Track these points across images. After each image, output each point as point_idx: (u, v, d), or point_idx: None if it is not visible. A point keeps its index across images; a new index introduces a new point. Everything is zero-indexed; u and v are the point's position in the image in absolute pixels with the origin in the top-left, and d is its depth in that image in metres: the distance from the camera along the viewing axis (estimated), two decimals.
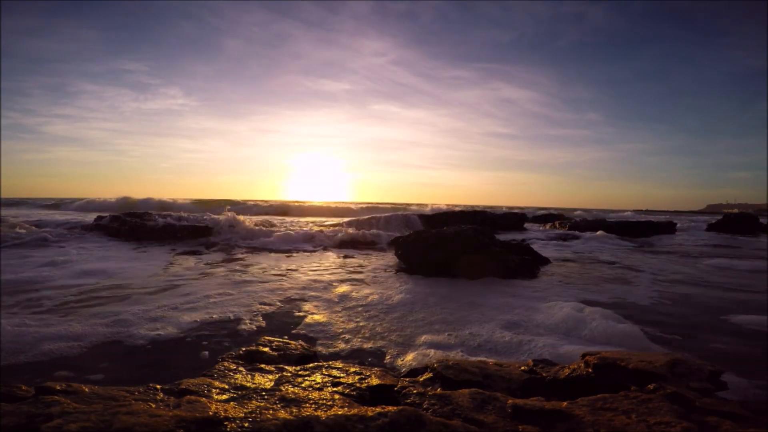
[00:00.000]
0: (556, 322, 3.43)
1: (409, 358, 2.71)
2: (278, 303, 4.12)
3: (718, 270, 6.65)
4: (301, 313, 3.78)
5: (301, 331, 3.27)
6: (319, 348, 2.90)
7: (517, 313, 3.79)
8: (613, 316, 3.49)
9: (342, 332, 3.26)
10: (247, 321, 3.48)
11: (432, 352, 2.79)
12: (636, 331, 3.14)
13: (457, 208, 20.42)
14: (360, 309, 3.93)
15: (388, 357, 2.78)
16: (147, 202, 25.07)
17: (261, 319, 3.57)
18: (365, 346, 2.97)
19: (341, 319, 3.60)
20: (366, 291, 4.63)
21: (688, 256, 8.43)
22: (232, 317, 3.57)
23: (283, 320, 3.57)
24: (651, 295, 4.67)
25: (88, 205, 25.38)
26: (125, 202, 25.11)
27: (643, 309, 4.11)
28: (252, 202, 33.33)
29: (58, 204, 28.91)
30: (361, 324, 3.47)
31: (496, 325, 3.40)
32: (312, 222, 16.48)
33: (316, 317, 3.65)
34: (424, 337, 3.12)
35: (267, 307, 3.94)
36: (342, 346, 2.97)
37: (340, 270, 6.12)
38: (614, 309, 3.96)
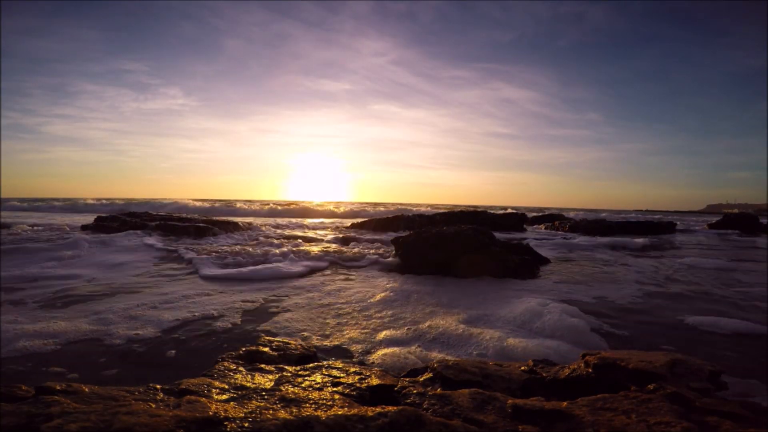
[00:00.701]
0: (514, 316, 3.56)
1: (376, 355, 2.76)
2: (261, 301, 4.15)
3: (706, 270, 6.69)
4: (277, 310, 3.81)
5: (265, 328, 3.30)
6: None
7: (485, 308, 3.88)
8: (570, 311, 3.55)
9: (304, 329, 3.29)
10: (220, 319, 3.49)
11: (397, 350, 2.82)
12: (582, 325, 3.22)
13: (457, 209, 20.42)
14: (337, 306, 3.97)
15: (343, 352, 2.84)
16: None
17: (237, 316, 3.59)
18: (323, 343, 3.00)
19: (311, 316, 3.63)
20: (353, 290, 4.67)
21: (682, 257, 8.43)
22: (214, 314, 3.61)
23: (255, 318, 3.59)
24: (634, 294, 4.75)
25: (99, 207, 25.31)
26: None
27: (618, 307, 4.18)
28: (241, 204, 33.24)
29: (60, 205, 28.92)
30: (328, 321, 3.51)
31: (457, 320, 3.48)
32: (313, 224, 16.50)
33: (288, 314, 3.68)
34: (384, 333, 3.17)
35: (249, 305, 3.97)
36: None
37: (335, 269, 6.12)
38: (594, 307, 4.08)
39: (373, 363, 2.60)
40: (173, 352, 2.76)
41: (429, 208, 31.85)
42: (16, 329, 3.01)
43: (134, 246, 8.04)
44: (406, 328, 3.29)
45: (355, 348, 2.90)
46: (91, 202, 28.00)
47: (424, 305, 4.03)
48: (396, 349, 2.81)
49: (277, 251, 7.03)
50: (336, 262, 6.68)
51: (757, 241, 13.02)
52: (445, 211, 18.00)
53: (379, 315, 3.69)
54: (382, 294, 4.44)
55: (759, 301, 4.41)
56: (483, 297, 4.39)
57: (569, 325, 3.21)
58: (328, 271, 5.96)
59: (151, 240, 8.59)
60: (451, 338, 3.06)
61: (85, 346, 2.85)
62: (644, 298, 4.55)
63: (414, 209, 29.48)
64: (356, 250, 7.89)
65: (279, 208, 28.28)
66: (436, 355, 2.70)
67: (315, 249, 7.60)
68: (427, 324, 3.36)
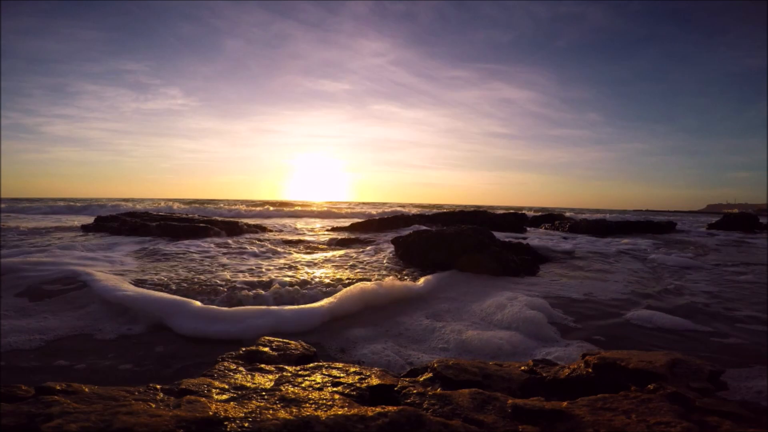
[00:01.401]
0: (481, 309, 3.71)
1: (352, 353, 2.84)
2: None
3: (688, 270, 6.76)
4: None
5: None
6: None
7: (459, 302, 4.03)
8: (534, 304, 3.68)
9: None
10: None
11: (374, 347, 2.91)
12: (539, 318, 3.35)
13: (457, 209, 20.43)
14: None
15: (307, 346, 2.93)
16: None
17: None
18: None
19: None
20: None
21: (675, 256, 8.46)
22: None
23: None
24: (622, 291, 4.89)
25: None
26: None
27: (596, 302, 4.33)
28: (242, 205, 33.10)
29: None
30: None
31: (424, 314, 3.63)
32: (313, 224, 16.48)
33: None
34: (353, 331, 3.25)
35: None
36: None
37: (331, 269, 6.11)
38: (575, 302, 4.28)
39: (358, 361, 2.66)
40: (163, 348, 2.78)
41: (429, 208, 31.84)
42: (10, 324, 3.09)
43: (132, 245, 7.99)
44: (374, 325, 3.38)
45: (328, 344, 2.96)
46: (66, 203, 27.78)
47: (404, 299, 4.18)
48: (373, 347, 2.89)
49: (274, 278, 6.87)
50: (336, 261, 6.67)
51: (759, 240, 13.02)
52: (445, 211, 17.99)
53: (355, 311, 3.78)
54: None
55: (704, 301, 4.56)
56: (463, 292, 4.52)
57: (526, 317, 3.34)
58: (326, 270, 5.95)
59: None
60: (416, 332, 3.21)
61: (75, 338, 2.95)
62: (626, 295, 4.68)
63: (414, 209, 29.49)
64: (359, 249, 7.89)
65: (274, 209, 28.21)
66: (404, 350, 2.81)
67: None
68: (395, 320, 3.48)
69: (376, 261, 6.84)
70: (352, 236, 10.46)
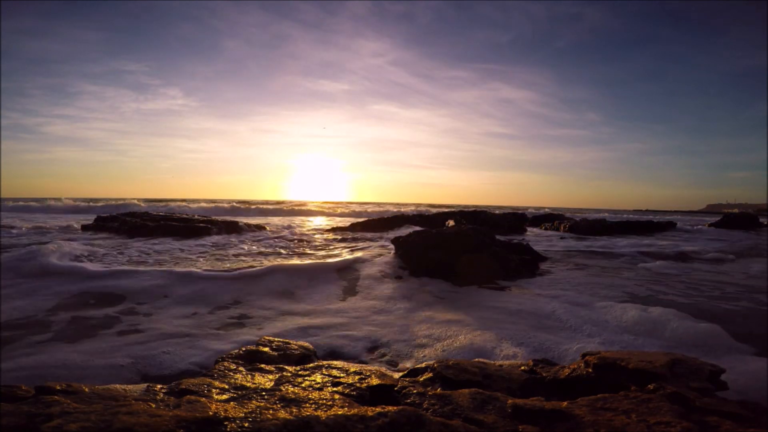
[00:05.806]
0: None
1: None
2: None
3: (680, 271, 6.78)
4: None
5: (216, 331, 3.59)
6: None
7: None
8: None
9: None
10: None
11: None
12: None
13: (457, 209, 20.42)
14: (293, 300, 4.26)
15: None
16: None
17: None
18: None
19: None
20: (320, 289, 4.79)
21: (675, 257, 8.47)
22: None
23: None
24: (608, 285, 5.14)
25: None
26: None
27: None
28: (241, 205, 33.04)
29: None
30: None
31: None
32: (313, 224, 16.45)
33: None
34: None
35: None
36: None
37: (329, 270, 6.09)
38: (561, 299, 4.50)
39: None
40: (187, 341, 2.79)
41: (429, 208, 31.84)
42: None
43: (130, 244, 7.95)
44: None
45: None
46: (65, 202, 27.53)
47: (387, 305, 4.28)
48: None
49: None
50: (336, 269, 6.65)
51: (759, 238, 13.01)
52: (445, 211, 17.99)
53: (322, 310, 3.93)
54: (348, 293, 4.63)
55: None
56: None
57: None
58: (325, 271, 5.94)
59: None
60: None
61: None
62: (617, 293, 4.80)
63: (414, 209, 29.47)
64: (359, 248, 7.88)
65: (274, 208, 28.17)
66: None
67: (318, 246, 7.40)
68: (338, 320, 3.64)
69: (375, 261, 6.83)
70: (352, 236, 10.47)
